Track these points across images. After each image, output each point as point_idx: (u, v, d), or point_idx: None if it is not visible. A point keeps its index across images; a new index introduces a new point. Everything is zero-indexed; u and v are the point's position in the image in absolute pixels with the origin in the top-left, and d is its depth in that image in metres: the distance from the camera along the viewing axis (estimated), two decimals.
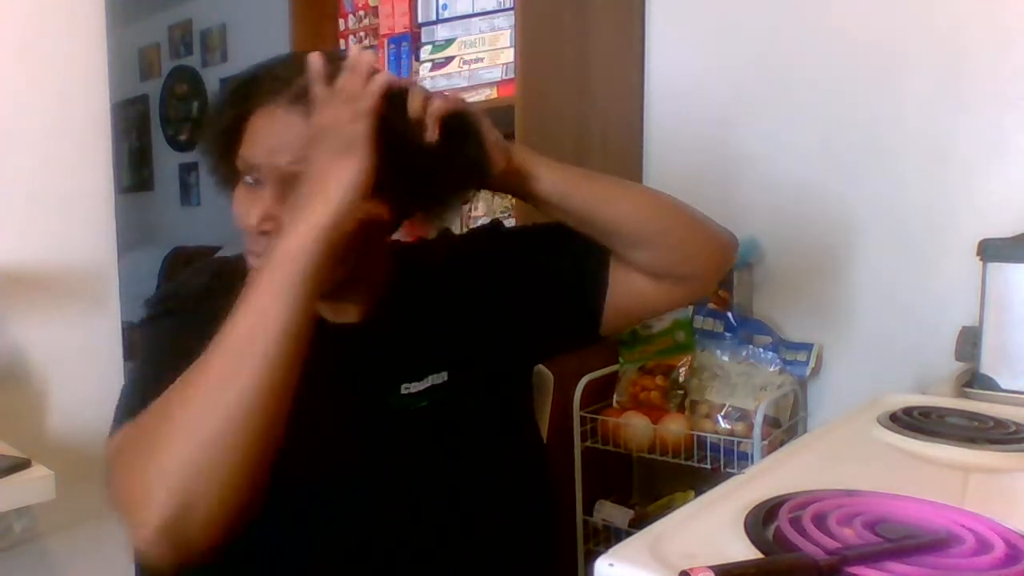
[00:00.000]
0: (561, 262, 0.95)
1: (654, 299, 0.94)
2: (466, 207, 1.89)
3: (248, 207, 0.80)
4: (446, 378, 0.89)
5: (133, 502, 0.65)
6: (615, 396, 1.76)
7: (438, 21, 1.74)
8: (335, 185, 0.70)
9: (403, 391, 0.87)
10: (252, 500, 0.68)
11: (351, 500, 0.83)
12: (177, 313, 0.85)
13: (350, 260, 0.80)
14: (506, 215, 1.76)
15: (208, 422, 0.65)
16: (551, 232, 0.95)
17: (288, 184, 0.77)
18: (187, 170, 4.07)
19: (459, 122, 0.79)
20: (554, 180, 0.87)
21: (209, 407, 0.66)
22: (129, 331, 1.50)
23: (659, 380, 1.71)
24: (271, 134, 0.78)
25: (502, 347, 0.94)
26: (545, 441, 1.16)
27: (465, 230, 1.83)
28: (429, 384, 0.88)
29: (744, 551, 0.61)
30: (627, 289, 0.93)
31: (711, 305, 1.72)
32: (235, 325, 0.68)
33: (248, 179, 0.81)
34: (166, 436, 0.66)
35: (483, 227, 1.06)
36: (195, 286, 0.89)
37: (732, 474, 1.15)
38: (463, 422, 0.90)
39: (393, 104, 0.74)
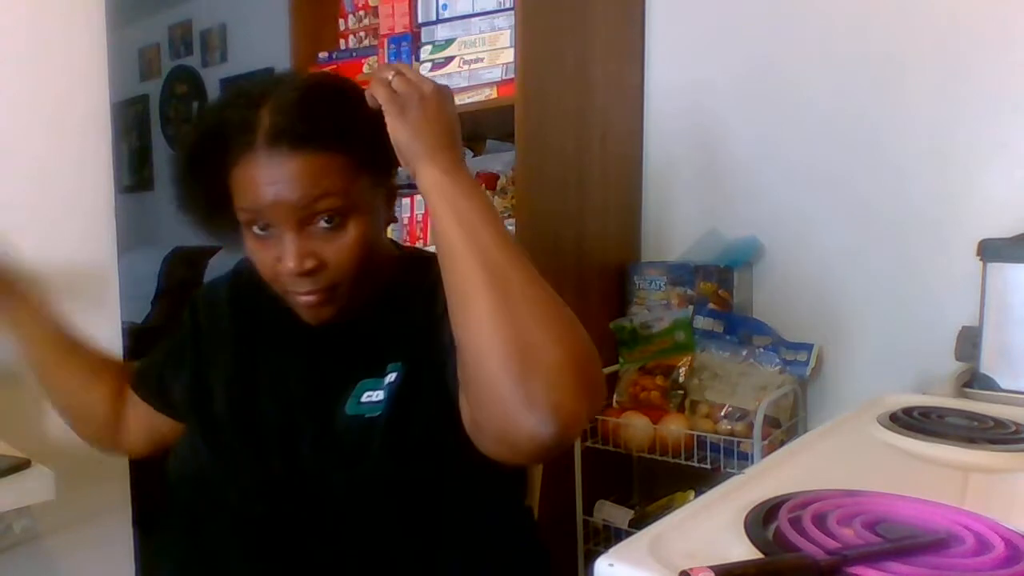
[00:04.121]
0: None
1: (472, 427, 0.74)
2: None
3: (272, 254, 0.81)
4: (396, 376, 0.83)
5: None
6: (615, 396, 1.76)
7: (438, 21, 1.74)
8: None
9: (364, 399, 0.83)
10: None
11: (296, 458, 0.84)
12: None
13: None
14: (506, 214, 1.76)
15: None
16: None
17: (305, 220, 0.78)
18: None
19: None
20: (429, 182, 0.75)
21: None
22: (129, 331, 1.50)
23: (659, 380, 1.71)
24: (267, 182, 0.77)
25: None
26: None
27: None
28: (387, 385, 0.83)
29: (744, 551, 0.61)
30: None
31: (711, 305, 1.72)
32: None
33: (257, 229, 0.81)
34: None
35: None
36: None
37: (732, 474, 1.15)
38: (415, 424, 0.81)
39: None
